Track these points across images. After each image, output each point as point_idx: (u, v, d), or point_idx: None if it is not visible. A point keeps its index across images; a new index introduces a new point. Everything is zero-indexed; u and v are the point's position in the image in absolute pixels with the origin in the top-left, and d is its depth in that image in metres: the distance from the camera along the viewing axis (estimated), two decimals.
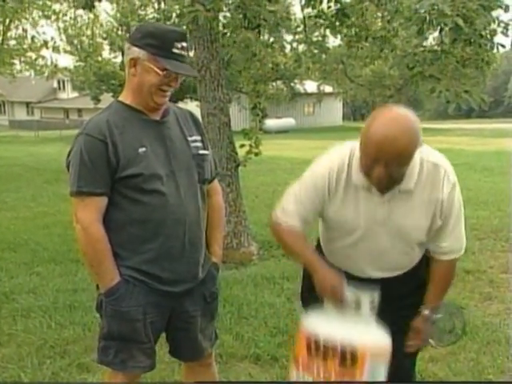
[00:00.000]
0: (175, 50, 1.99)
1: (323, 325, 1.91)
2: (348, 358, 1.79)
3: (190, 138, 2.15)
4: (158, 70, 1.98)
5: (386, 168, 1.78)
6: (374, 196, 1.93)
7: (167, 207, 2.02)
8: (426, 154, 1.94)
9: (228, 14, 4.77)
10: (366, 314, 1.90)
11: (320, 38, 6.71)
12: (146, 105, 2.06)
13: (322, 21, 5.43)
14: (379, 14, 5.87)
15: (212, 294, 2.27)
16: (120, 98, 2.11)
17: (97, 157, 1.96)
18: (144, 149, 2.00)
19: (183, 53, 2.03)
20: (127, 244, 2.04)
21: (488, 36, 4.35)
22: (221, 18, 4.77)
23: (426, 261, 2.12)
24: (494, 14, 4.38)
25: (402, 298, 2.07)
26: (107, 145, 1.96)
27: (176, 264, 2.08)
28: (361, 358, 1.79)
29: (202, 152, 2.17)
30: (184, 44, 2.03)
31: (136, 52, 2.00)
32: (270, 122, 22.66)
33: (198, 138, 2.19)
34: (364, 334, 1.86)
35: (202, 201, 2.16)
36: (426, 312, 2.05)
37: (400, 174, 1.85)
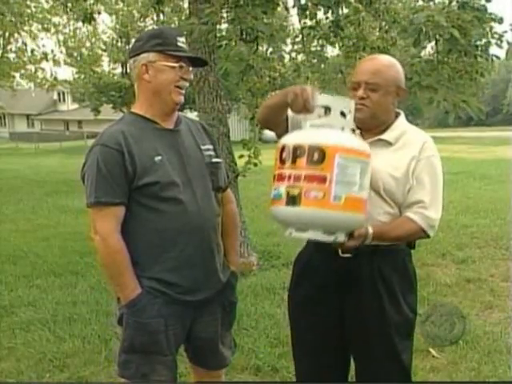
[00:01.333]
0: (180, 44, 2.04)
1: (295, 135, 1.91)
2: (316, 155, 1.78)
3: (203, 147, 2.17)
4: (172, 64, 2.02)
5: (366, 85, 2.02)
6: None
7: (185, 215, 2.02)
8: (414, 128, 2.17)
9: (225, 26, 4.78)
10: (336, 120, 1.88)
11: (318, 48, 6.73)
12: (165, 107, 2.07)
13: (316, 32, 5.46)
14: (376, 24, 5.89)
15: (231, 302, 2.27)
16: (133, 110, 2.13)
17: (114, 166, 1.96)
18: (160, 157, 2.01)
19: (185, 47, 2.08)
20: (146, 253, 2.03)
21: (483, 47, 4.36)
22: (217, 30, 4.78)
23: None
24: (488, 25, 4.40)
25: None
26: (124, 154, 1.96)
27: (196, 272, 2.07)
28: (329, 155, 1.77)
29: (215, 160, 2.20)
30: (183, 39, 2.08)
31: (145, 57, 2.03)
32: (271, 132, 22.56)
33: (211, 146, 2.22)
34: (335, 136, 1.84)
35: (217, 208, 2.18)
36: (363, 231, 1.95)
37: (377, 103, 2.03)
